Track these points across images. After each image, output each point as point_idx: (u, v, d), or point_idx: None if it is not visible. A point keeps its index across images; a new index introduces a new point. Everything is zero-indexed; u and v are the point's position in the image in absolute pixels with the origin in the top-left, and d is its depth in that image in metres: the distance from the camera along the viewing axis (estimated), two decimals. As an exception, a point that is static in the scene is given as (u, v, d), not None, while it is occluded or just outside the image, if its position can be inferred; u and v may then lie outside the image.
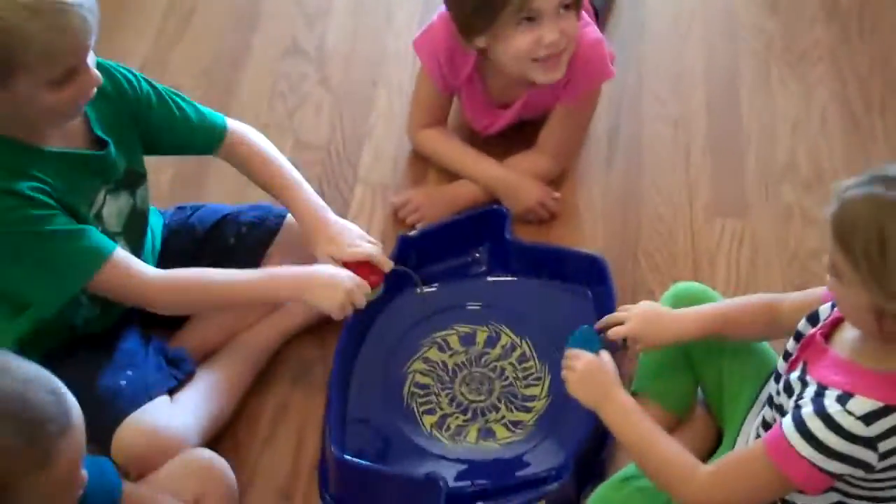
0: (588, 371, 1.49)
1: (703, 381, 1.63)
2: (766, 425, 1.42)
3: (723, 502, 1.36)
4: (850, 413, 1.25)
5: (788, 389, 1.36)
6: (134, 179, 1.61)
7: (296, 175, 1.72)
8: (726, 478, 1.35)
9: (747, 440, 1.52)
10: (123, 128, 1.58)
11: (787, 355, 1.43)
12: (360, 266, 1.64)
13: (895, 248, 1.20)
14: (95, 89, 1.45)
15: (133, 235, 1.63)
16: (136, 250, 1.62)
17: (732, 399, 1.59)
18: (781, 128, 2.16)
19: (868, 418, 1.25)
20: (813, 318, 1.41)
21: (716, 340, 1.59)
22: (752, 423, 1.53)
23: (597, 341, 1.53)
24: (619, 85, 2.17)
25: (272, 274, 1.62)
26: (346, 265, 1.62)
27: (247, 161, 1.71)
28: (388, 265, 1.67)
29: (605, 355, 1.51)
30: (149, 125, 1.61)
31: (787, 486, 1.32)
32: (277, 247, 1.76)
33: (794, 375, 1.35)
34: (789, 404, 1.34)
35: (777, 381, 1.42)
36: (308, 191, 1.71)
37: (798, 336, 1.42)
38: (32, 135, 1.46)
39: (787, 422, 1.29)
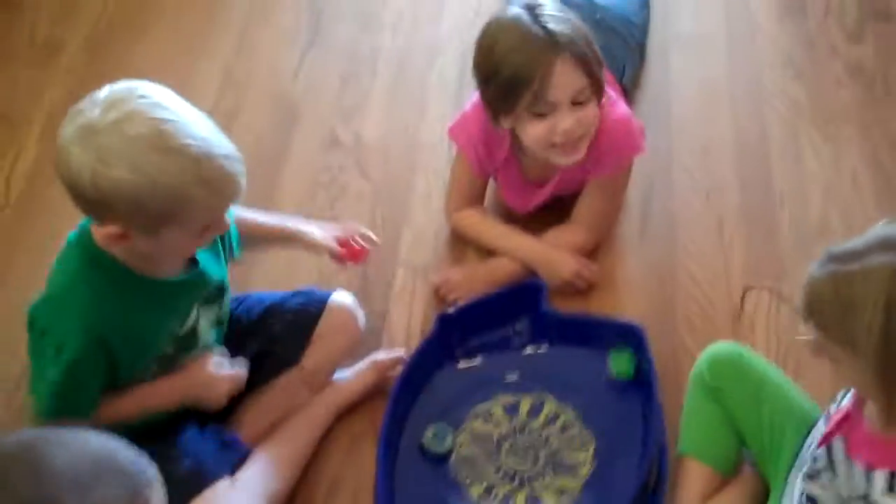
0: None
1: (746, 438, 1.65)
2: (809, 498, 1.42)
3: None
4: None
5: (830, 462, 1.36)
6: (222, 292, 1.69)
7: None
8: None
9: (792, 493, 1.53)
10: (213, 245, 1.67)
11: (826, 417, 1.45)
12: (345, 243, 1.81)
13: (863, 313, 1.20)
14: None
15: (218, 341, 1.71)
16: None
17: (775, 454, 1.61)
18: (813, 191, 2.20)
19: None
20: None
21: (754, 397, 1.61)
22: (797, 478, 1.53)
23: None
24: (650, 158, 2.21)
25: (156, 385, 1.64)
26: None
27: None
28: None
29: None
30: None
31: None
32: (321, 330, 1.81)
33: (839, 453, 1.35)
34: (846, 488, 1.33)
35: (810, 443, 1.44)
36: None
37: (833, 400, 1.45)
38: (149, 268, 1.54)
39: None
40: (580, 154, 1.92)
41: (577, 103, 1.85)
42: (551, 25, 1.81)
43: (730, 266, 2.08)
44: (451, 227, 2.14)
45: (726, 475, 1.66)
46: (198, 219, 1.46)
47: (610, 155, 1.98)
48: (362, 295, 2.02)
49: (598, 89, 1.86)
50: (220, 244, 1.68)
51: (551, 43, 1.80)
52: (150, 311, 1.56)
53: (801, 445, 1.58)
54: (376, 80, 2.50)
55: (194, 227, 1.47)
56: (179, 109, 1.43)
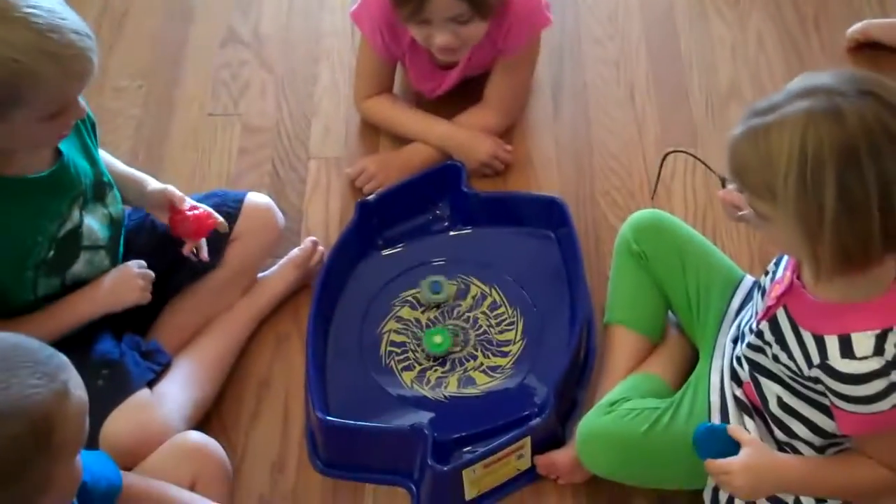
0: (754, 476, 1.38)
1: (672, 302, 1.68)
2: (759, 367, 1.44)
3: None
4: (862, 358, 1.26)
5: (781, 340, 1.37)
6: (102, 190, 1.62)
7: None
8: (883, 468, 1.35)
9: (722, 354, 1.57)
10: (81, 140, 1.60)
11: (761, 290, 1.46)
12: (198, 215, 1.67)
13: (779, 162, 1.19)
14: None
15: (112, 245, 1.66)
16: (115, 259, 1.66)
17: (702, 316, 1.64)
18: (721, 54, 2.22)
19: (877, 349, 1.26)
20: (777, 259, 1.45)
21: (678, 260, 1.63)
22: (725, 338, 1.58)
23: (729, 441, 1.40)
24: (557, 32, 2.21)
25: (69, 299, 1.60)
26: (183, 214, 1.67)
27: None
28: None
29: (745, 446, 1.39)
30: None
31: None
32: (239, 231, 1.77)
33: (785, 324, 1.36)
34: (790, 350, 1.35)
35: (748, 313, 1.46)
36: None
37: (766, 272, 1.46)
38: (8, 167, 1.47)
39: (841, 403, 1.30)
40: (459, 58, 1.95)
41: (458, 21, 1.84)
42: None
43: (644, 135, 2.10)
44: (361, 115, 2.11)
45: (654, 341, 1.69)
46: (47, 99, 1.38)
47: (519, 29, 1.96)
48: (276, 193, 1.99)
49: (482, 11, 1.84)
50: (83, 136, 1.60)
51: None
52: (19, 212, 1.49)
53: (727, 306, 1.62)
54: (270, -31, 2.43)
55: (44, 109, 1.40)
56: None
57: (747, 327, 1.47)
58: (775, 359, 1.40)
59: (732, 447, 1.39)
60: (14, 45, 1.32)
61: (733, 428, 1.42)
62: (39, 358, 1.11)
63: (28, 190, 1.50)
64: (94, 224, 1.60)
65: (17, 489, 1.08)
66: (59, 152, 1.54)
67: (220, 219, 1.69)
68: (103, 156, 1.68)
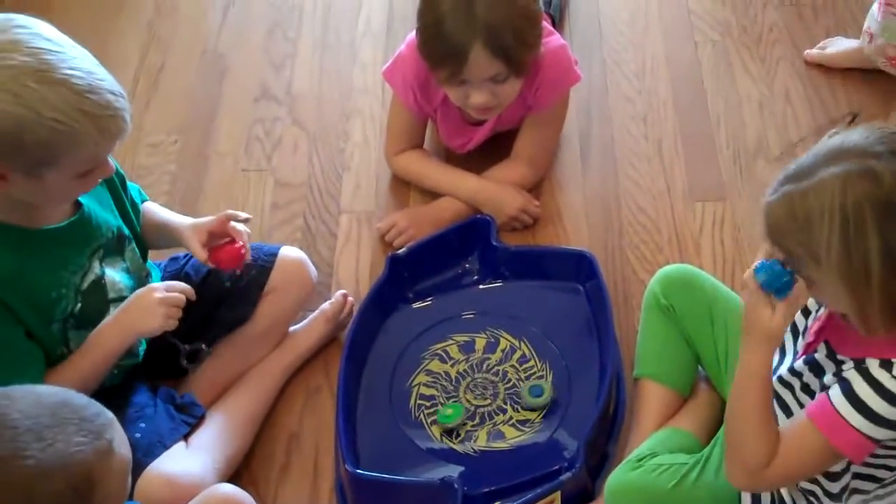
0: (768, 319, 1.33)
1: (701, 356, 1.68)
2: (782, 403, 1.44)
3: (777, 480, 1.38)
4: None
5: (816, 368, 1.38)
6: (122, 243, 1.65)
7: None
8: (779, 456, 1.34)
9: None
10: (104, 194, 1.63)
11: (795, 330, 1.46)
12: (225, 246, 1.67)
13: (821, 228, 1.21)
14: None
15: None
16: None
17: (731, 370, 1.60)
18: (748, 109, 2.23)
19: None
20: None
21: (706, 314, 1.64)
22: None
23: (789, 283, 1.32)
24: (585, 87, 2.24)
25: (97, 332, 1.60)
26: (212, 250, 1.67)
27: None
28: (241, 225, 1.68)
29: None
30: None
31: (836, 457, 1.33)
32: (273, 285, 1.78)
33: (820, 355, 1.37)
34: (822, 381, 1.35)
35: (783, 355, 1.46)
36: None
37: (806, 312, 1.46)
38: (28, 218, 1.50)
39: (836, 394, 1.30)
40: (494, 115, 1.98)
41: (495, 81, 1.87)
42: (479, 9, 1.79)
43: (672, 189, 2.11)
44: (392, 170, 2.13)
45: (683, 394, 1.68)
46: (81, 158, 1.41)
47: (548, 85, 1.99)
48: (307, 247, 2.01)
49: (518, 70, 1.87)
50: (111, 191, 1.63)
51: (471, 28, 1.80)
52: (40, 263, 1.51)
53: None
54: (303, 28, 2.48)
55: (77, 168, 1.43)
56: (61, 40, 1.39)
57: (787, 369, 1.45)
58: (805, 388, 1.39)
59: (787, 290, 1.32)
60: (56, 107, 1.35)
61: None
62: (86, 415, 1.12)
63: (47, 240, 1.52)
64: (115, 276, 1.62)
65: None
66: (78, 203, 1.56)
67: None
68: (150, 206, 1.72)
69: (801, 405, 1.42)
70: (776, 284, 1.31)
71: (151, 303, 1.57)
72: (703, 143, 2.18)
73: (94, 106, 1.38)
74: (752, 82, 2.29)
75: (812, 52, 2.28)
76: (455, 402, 1.77)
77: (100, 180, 1.52)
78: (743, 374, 1.35)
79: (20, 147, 1.36)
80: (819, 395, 1.33)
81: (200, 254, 1.67)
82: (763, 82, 2.28)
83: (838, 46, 2.27)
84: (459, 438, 1.73)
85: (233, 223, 1.68)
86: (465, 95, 1.90)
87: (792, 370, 1.43)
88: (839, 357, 1.35)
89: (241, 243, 1.67)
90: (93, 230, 1.58)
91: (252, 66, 2.40)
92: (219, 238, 1.69)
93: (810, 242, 1.22)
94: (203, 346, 1.73)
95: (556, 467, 1.63)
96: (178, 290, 1.60)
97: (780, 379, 1.44)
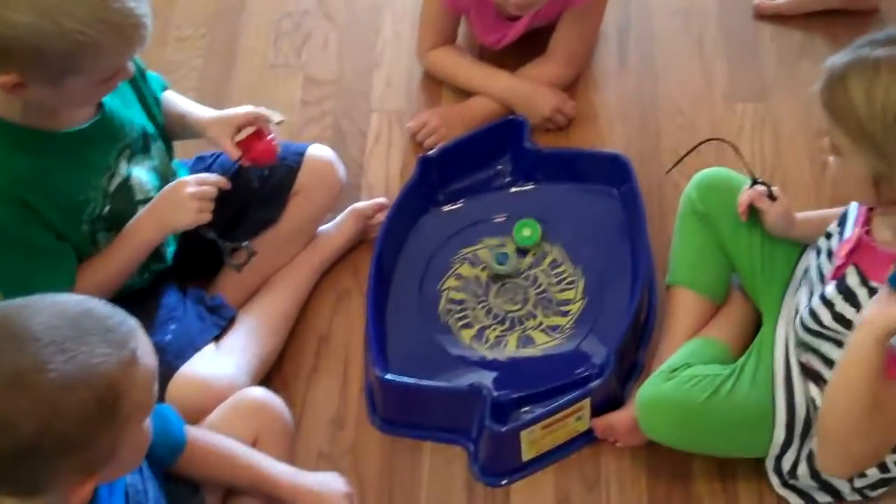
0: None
1: (736, 263, 1.65)
2: (818, 320, 1.43)
3: (875, 456, 1.38)
4: None
5: (849, 296, 1.36)
6: (147, 142, 1.63)
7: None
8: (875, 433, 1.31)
9: (787, 318, 1.55)
10: (128, 92, 1.61)
11: (823, 252, 1.46)
12: (254, 141, 1.62)
13: (883, 105, 1.21)
14: None
15: None
16: None
17: (767, 276, 1.62)
18: (794, 6, 2.15)
19: None
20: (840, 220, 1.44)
21: (742, 220, 1.61)
22: (791, 301, 1.56)
23: None
24: (624, -19, 2.17)
25: (130, 226, 1.58)
26: (239, 145, 1.62)
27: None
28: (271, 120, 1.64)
29: None
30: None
31: None
32: (301, 185, 1.77)
33: (853, 280, 1.36)
34: (860, 315, 1.33)
35: (820, 280, 1.45)
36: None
37: (829, 235, 1.45)
38: (49, 121, 1.48)
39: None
40: (533, 11, 1.92)
41: None
42: None
43: (712, 89, 2.06)
44: (423, 67, 2.10)
45: (717, 303, 1.67)
46: (103, 66, 1.40)
47: (586, -21, 1.93)
48: (336, 146, 1.97)
49: None
50: (134, 90, 1.62)
51: None
52: (63, 165, 1.49)
53: (793, 269, 1.61)
54: (333, -83, 2.41)
55: (98, 75, 1.41)
56: None
57: (811, 298, 1.45)
58: (839, 318, 1.38)
59: None
60: (79, 18, 1.32)
61: None
62: (109, 325, 1.11)
63: (70, 142, 1.50)
64: (142, 176, 1.61)
65: (84, 456, 1.09)
66: (100, 105, 1.54)
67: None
68: (170, 96, 1.69)
69: (832, 340, 1.41)
70: None
71: (183, 197, 1.55)
72: (746, 41, 2.12)
73: (116, 14, 1.35)
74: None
75: None
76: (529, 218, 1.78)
77: (119, 83, 1.50)
78: (854, 367, 1.28)
79: (41, 58, 1.34)
80: (886, 353, 1.27)
81: (233, 152, 1.63)
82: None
83: None
84: (488, 343, 1.73)
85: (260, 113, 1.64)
86: None
87: (823, 298, 1.41)
88: (871, 284, 1.33)
89: (271, 135, 1.64)
90: (116, 130, 1.56)
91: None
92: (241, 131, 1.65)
93: (866, 113, 1.22)
94: (245, 243, 1.67)
95: (586, 374, 1.64)
96: (211, 183, 1.58)
97: (812, 312, 1.43)
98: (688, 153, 1.68)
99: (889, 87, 1.22)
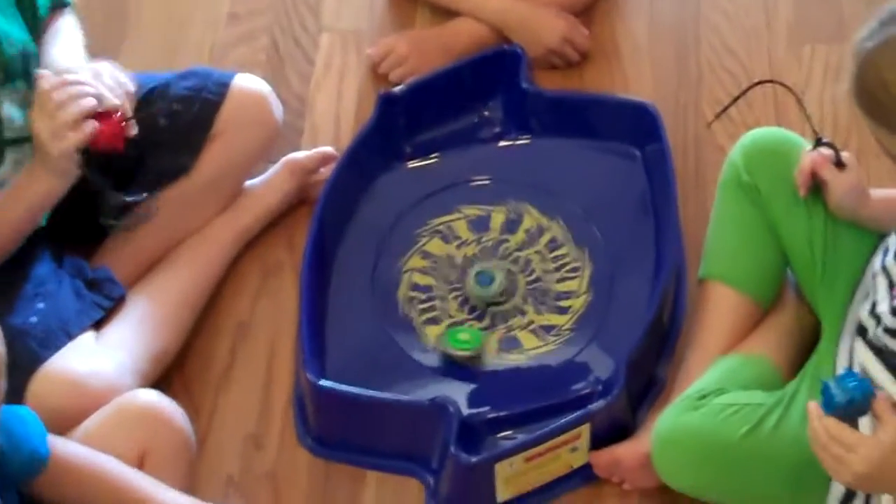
0: (881, 466, 1.31)
1: (791, 254, 1.65)
2: (889, 330, 1.44)
3: None
4: None
5: None
6: (28, 62, 1.64)
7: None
8: None
9: (854, 330, 1.54)
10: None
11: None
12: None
13: None
14: None
15: None
16: None
17: (829, 275, 1.61)
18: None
19: None
20: None
21: (801, 198, 1.60)
22: (860, 308, 1.55)
23: (865, 406, 1.34)
24: None
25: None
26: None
27: None
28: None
29: (886, 425, 1.33)
30: None
31: None
32: (223, 126, 1.78)
33: None
34: None
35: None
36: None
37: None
38: None
39: None
40: None
41: None
42: None
43: (773, 24, 2.08)
44: (393, -25, 2.11)
45: (764, 305, 1.67)
46: None
47: None
48: (273, 76, 2.00)
49: None
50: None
51: None
52: None
53: (865, 265, 1.60)
54: None
55: None
56: None
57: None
58: None
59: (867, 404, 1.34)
60: None
61: (883, 398, 1.35)
62: None
63: None
64: (12, 111, 1.61)
65: None
66: None
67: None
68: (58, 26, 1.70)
69: None
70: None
71: (58, 122, 1.53)
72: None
73: None
74: None
75: None
76: (471, 326, 1.76)
77: None
78: None
79: None
80: None
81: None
82: None
83: None
84: (463, 346, 1.72)
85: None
86: None
87: (892, 309, 1.43)
88: None
89: (119, 113, 1.61)
90: None
91: None
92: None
93: None
94: (143, 194, 1.70)
95: (587, 391, 1.64)
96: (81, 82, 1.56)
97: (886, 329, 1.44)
98: (735, 99, 1.70)
99: None
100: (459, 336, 1.72)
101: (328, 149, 1.90)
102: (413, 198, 1.87)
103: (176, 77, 1.80)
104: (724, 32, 2.07)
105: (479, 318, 1.75)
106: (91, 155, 1.61)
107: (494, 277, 1.77)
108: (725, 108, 1.67)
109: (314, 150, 1.90)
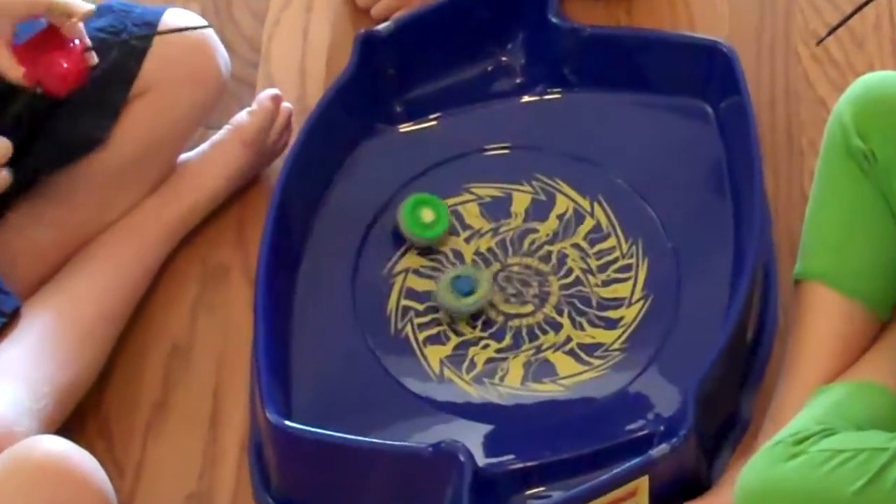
0: None
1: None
2: None
3: None
4: None
5: None
6: None
7: None
8: None
9: None
10: None
11: None
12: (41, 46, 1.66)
13: None
14: None
15: None
16: None
17: None
18: None
19: None
20: None
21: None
22: None
23: None
24: None
25: None
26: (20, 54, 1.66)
27: None
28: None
29: None
30: None
31: None
32: (149, 80, 1.79)
33: None
34: None
35: None
36: None
37: None
38: None
39: None
40: None
41: None
42: None
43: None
44: None
45: (882, 314, 1.67)
46: None
47: None
48: (216, 14, 2.04)
49: None
50: None
51: None
52: None
53: None
54: None
55: None
56: None
57: None
58: None
59: None
60: None
61: None
62: None
63: None
64: None
65: None
66: None
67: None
68: None
69: None
70: None
71: None
72: None
73: None
74: None
75: None
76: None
77: None
78: None
79: None
80: None
81: (10, 67, 1.65)
82: None
83: None
84: (474, 372, 1.73)
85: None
86: None
87: None
88: None
89: (77, 44, 1.66)
90: None
91: None
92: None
93: None
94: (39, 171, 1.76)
95: (644, 433, 1.65)
96: None
97: None
98: (847, 18, 1.64)
99: None
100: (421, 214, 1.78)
101: (287, 105, 1.91)
102: (406, 174, 1.88)
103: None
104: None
105: (498, 337, 1.75)
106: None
107: (475, 287, 1.76)
108: (832, 31, 1.63)
109: (256, 103, 1.89)
